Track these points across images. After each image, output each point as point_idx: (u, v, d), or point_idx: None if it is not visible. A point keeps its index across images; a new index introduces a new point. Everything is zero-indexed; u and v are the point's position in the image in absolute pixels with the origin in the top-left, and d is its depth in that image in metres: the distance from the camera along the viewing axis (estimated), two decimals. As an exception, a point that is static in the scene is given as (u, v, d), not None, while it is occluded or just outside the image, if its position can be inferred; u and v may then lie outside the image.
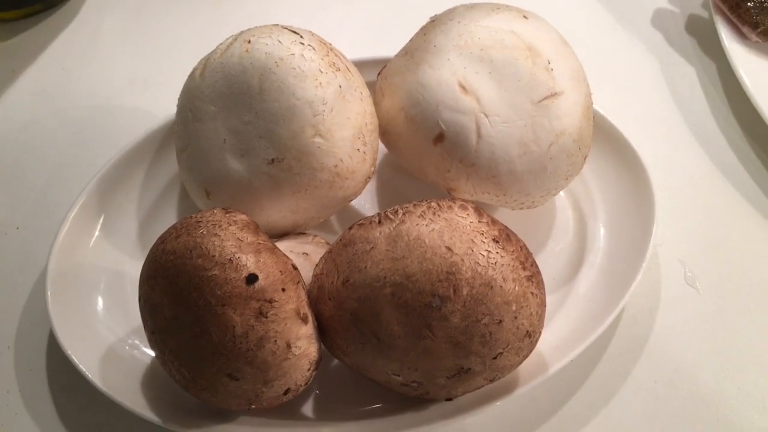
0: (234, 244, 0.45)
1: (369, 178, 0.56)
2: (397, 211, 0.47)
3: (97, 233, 0.62)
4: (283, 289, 0.45)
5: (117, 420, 0.55)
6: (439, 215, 0.46)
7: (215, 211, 0.48)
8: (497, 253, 0.45)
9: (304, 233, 0.59)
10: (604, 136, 0.63)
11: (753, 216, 0.66)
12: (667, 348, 0.59)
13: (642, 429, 0.55)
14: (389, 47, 0.62)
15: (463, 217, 0.46)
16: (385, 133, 0.58)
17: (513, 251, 0.46)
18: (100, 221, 0.62)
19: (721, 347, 0.59)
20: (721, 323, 0.60)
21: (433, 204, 0.47)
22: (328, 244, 0.57)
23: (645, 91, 0.76)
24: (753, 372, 0.58)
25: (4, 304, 0.62)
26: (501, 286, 0.45)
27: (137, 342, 0.57)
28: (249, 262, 0.45)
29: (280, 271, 0.45)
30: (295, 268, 0.47)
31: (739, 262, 0.63)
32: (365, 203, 0.66)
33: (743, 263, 0.63)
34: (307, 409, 0.54)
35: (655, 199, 0.59)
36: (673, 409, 0.56)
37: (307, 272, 0.51)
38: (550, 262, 0.61)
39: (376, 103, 0.58)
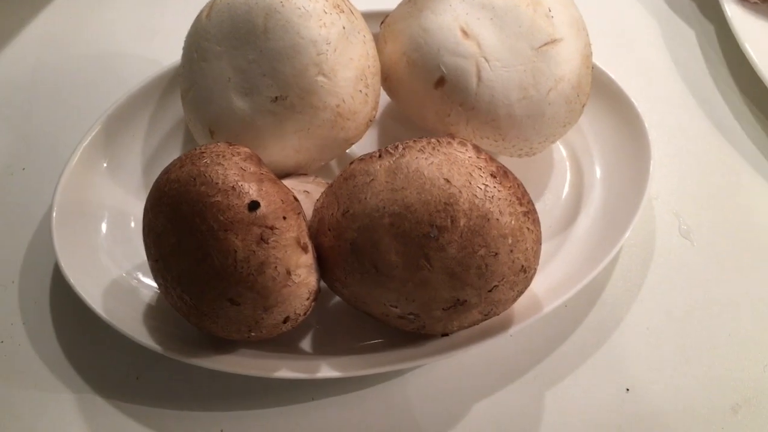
0: (237, 172, 0.46)
1: (371, 121, 0.57)
2: (398, 146, 0.48)
3: (103, 171, 0.62)
4: (284, 218, 0.46)
5: (119, 350, 0.56)
6: (438, 150, 0.47)
7: (219, 144, 0.49)
8: (494, 187, 0.46)
9: (306, 174, 0.59)
10: (603, 90, 0.63)
11: (747, 171, 0.67)
12: (659, 296, 0.59)
13: (633, 374, 0.56)
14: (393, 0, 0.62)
15: (461, 152, 0.47)
16: (386, 79, 0.59)
17: (510, 187, 0.47)
18: (106, 160, 0.62)
19: (713, 296, 0.60)
20: (714, 274, 0.61)
21: (432, 140, 0.48)
22: (328, 184, 0.58)
23: (644, 51, 0.77)
24: (744, 320, 0.58)
25: (9, 240, 0.63)
26: (498, 219, 0.45)
27: (140, 275, 0.58)
28: (251, 189, 0.45)
29: (282, 200, 0.46)
30: (296, 199, 0.48)
31: (732, 216, 0.64)
32: (366, 151, 0.66)
33: (737, 216, 0.64)
34: (306, 343, 0.55)
35: (651, 152, 0.59)
36: (664, 355, 0.57)
37: (307, 209, 0.51)
38: (546, 210, 0.62)
39: (379, 50, 0.58)
